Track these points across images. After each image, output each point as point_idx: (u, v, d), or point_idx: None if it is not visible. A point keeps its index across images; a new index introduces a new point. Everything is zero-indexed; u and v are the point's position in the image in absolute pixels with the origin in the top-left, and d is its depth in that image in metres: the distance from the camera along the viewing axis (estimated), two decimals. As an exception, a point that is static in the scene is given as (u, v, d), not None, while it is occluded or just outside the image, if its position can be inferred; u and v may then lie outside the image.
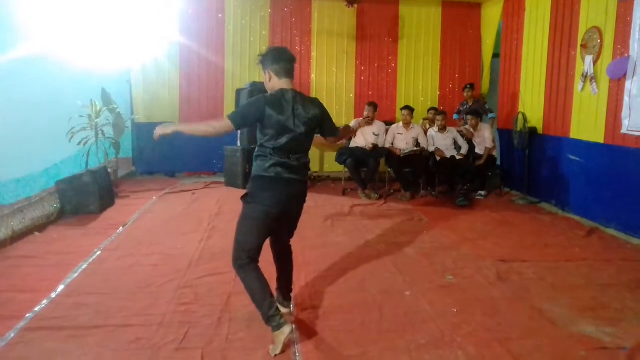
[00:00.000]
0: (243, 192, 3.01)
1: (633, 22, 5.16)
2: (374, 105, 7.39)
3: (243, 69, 8.56)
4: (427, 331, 3.15)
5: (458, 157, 7.15)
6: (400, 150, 7.32)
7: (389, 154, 7.36)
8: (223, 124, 2.87)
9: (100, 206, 5.98)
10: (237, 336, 3.05)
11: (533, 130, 7.01)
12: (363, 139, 7.40)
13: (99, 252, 4.55)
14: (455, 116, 8.39)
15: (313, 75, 8.81)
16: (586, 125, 6.00)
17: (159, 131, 2.96)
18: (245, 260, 2.88)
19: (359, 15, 8.79)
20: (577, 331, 3.19)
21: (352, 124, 7.41)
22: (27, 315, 3.26)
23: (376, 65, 8.96)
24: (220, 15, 8.51)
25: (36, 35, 5.62)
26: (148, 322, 3.19)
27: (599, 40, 5.72)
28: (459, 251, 4.82)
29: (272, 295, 2.91)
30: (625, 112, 5.28)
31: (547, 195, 6.89)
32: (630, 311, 3.50)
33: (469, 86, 8.07)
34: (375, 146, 7.29)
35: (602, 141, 5.69)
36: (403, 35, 8.94)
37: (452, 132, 7.39)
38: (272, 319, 2.85)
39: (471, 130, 7.35)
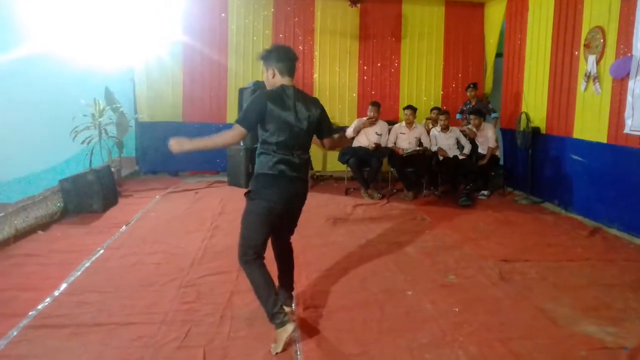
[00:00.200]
0: (245, 191, 3.01)
1: (636, 21, 5.14)
2: (377, 105, 7.39)
3: (246, 68, 8.56)
4: (429, 330, 3.15)
5: (461, 157, 7.15)
6: (403, 149, 7.32)
7: (391, 153, 7.35)
8: (235, 132, 2.87)
9: (104, 205, 5.99)
10: (238, 334, 3.06)
11: (536, 130, 7.00)
12: (366, 138, 7.39)
13: (102, 251, 4.57)
14: (458, 116, 8.38)
15: (316, 75, 8.81)
16: (589, 125, 5.98)
17: (175, 147, 2.91)
18: (251, 255, 2.90)
19: (361, 15, 8.78)
20: (579, 331, 3.18)
21: (355, 123, 7.51)
22: (30, 313, 3.27)
23: (379, 64, 8.95)
24: (223, 14, 8.51)
25: (39, 34, 5.64)
26: (150, 320, 3.20)
27: (602, 40, 5.71)
28: (461, 251, 4.81)
29: (276, 292, 2.93)
30: (628, 112, 5.26)
31: (550, 195, 6.88)
32: (632, 311, 3.50)
33: (471, 86, 8.06)
34: (377, 146, 7.29)
35: (605, 141, 5.68)
36: (406, 34, 8.93)
37: (455, 132, 7.38)
38: (276, 316, 2.86)
39: (474, 129, 7.34)
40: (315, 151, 8.29)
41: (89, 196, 5.89)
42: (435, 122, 7.78)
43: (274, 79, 3.03)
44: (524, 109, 7.35)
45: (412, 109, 7.45)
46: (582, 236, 5.39)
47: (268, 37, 8.59)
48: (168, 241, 4.90)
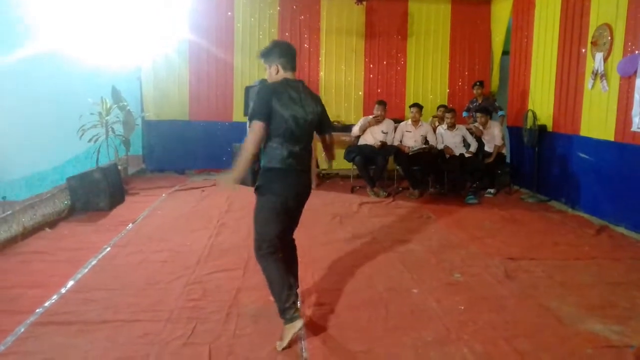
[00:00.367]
0: (252, 189, 3.02)
1: (644, 18, 5.11)
2: (383, 104, 7.39)
3: (252, 66, 8.57)
4: (434, 328, 3.15)
5: (467, 155, 7.13)
6: (409, 147, 7.30)
7: (397, 151, 7.34)
8: (255, 128, 2.85)
9: (110, 203, 6.03)
10: (244, 331, 3.07)
11: (543, 128, 6.96)
12: (371, 136, 7.39)
13: (108, 249, 4.60)
14: (464, 114, 8.36)
15: (322, 73, 8.81)
16: (596, 123, 5.95)
17: (222, 184, 2.90)
18: (266, 249, 2.93)
19: (367, 13, 8.77)
20: (585, 329, 3.17)
21: (361, 122, 7.50)
22: (37, 310, 3.30)
23: (385, 62, 8.94)
24: (229, 13, 8.53)
25: (46, 33, 5.68)
26: (156, 318, 3.22)
27: (609, 37, 5.67)
28: (467, 249, 4.81)
29: (290, 288, 2.93)
30: (635, 110, 5.22)
31: (556, 193, 6.84)
32: (638, 309, 3.48)
33: (478, 83, 8.03)
34: (383, 144, 7.28)
35: (612, 139, 5.64)
36: (412, 32, 8.91)
37: (461, 130, 7.36)
38: (287, 311, 2.88)
39: (480, 127, 7.32)
40: (322, 150, 8.27)
41: (95, 194, 5.92)
42: (441, 120, 7.76)
43: (277, 74, 3.04)
44: (530, 106, 7.32)
45: (418, 107, 7.43)
46: (588, 234, 5.36)
47: (274, 36, 8.59)
48: (174, 239, 4.92)
